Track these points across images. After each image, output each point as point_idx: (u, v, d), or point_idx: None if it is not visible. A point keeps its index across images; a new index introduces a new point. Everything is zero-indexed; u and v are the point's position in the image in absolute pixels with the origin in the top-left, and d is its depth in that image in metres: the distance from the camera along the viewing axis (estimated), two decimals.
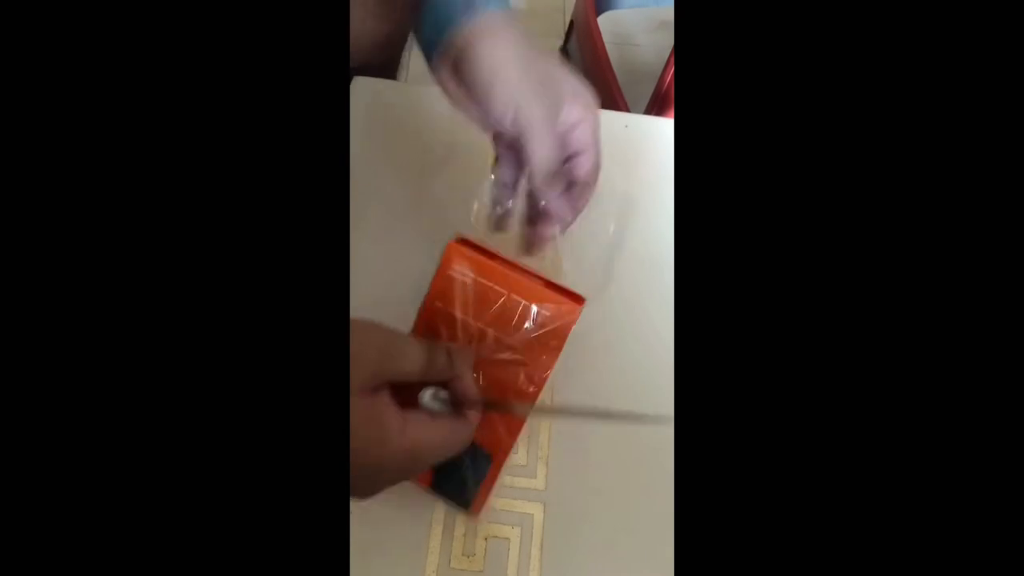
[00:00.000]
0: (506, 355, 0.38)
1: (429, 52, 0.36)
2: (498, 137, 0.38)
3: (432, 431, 0.31)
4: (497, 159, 0.38)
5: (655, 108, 0.98)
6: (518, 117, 0.34)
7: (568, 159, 0.37)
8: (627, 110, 1.06)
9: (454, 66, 0.35)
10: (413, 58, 0.37)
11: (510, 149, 0.38)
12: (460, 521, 0.42)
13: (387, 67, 0.65)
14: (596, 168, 0.38)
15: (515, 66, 0.34)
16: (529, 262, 0.39)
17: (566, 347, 0.38)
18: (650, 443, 0.45)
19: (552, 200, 0.37)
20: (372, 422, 0.28)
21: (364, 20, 0.51)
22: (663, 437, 0.45)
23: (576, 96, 0.36)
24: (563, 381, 0.46)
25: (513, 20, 0.35)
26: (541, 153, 0.35)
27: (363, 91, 0.57)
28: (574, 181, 0.37)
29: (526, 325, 0.38)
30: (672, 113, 0.93)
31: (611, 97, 1.07)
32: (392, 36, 0.56)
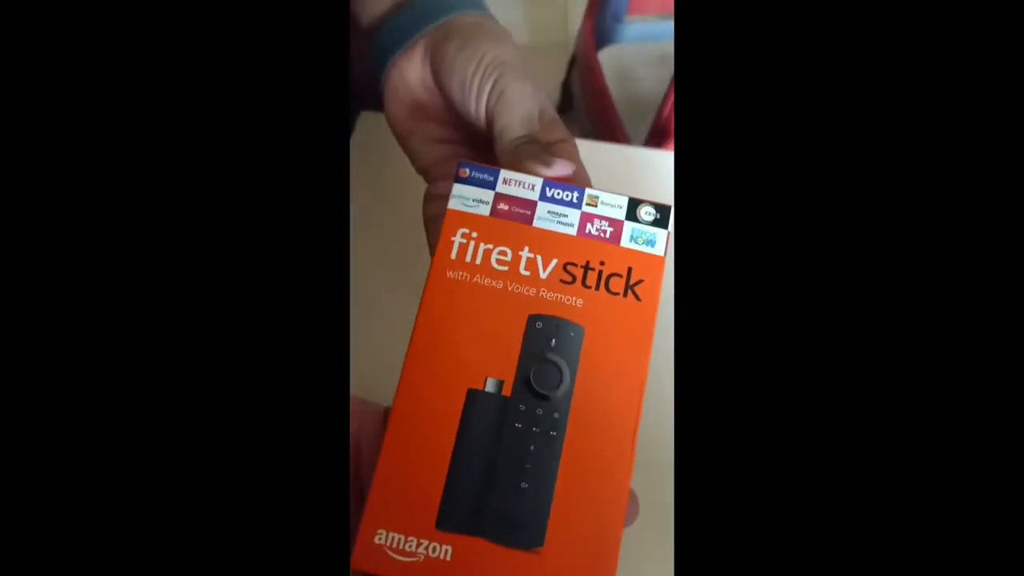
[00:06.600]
0: None
1: (389, 54, 0.33)
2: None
3: None
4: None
5: (655, 140, 1.00)
6: (488, 74, 0.30)
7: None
8: (628, 142, 1.07)
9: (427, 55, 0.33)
10: None
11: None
12: None
13: None
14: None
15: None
16: None
17: None
18: (653, 468, 0.44)
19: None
20: None
21: None
22: (664, 467, 0.44)
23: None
24: None
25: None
26: (524, 104, 0.30)
27: (368, 126, 0.59)
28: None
29: None
30: (671, 144, 0.95)
31: (612, 128, 1.09)
32: None
